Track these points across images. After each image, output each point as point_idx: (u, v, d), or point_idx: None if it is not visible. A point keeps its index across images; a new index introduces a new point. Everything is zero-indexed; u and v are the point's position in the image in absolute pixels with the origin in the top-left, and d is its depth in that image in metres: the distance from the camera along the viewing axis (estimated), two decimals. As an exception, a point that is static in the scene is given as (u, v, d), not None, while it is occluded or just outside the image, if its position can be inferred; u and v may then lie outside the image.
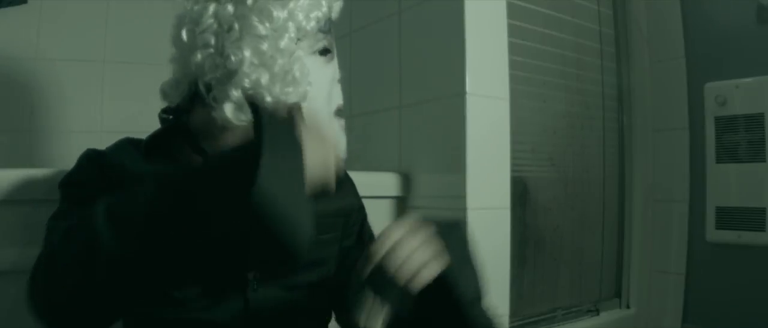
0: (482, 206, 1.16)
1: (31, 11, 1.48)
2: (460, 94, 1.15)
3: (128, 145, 0.77)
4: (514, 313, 1.33)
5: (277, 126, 0.54)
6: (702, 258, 1.66)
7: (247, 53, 0.70)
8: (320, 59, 0.76)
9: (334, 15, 0.79)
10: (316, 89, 0.75)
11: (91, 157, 0.74)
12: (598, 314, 1.65)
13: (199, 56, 0.71)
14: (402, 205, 1.28)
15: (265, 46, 0.70)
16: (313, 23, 0.74)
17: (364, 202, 0.94)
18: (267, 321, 0.73)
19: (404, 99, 1.30)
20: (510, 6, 1.29)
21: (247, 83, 0.70)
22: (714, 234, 1.61)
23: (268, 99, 0.70)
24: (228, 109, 0.70)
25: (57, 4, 1.52)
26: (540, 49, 1.53)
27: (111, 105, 1.56)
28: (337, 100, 0.79)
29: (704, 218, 1.64)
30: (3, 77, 1.47)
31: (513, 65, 1.30)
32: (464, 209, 1.13)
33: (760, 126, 1.52)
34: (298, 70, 0.72)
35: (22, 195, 0.83)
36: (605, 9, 1.76)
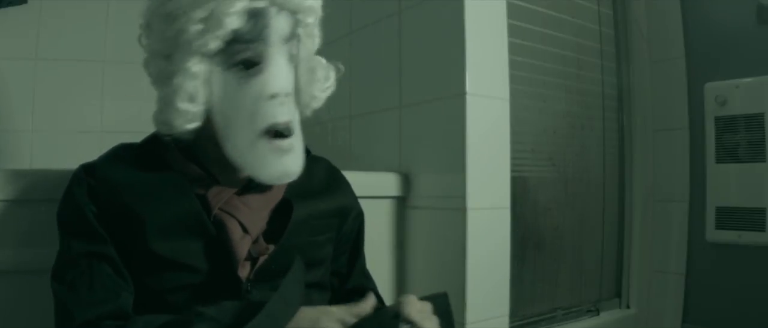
0: (482, 206, 1.16)
1: (31, 11, 1.49)
2: (460, 94, 1.15)
3: (122, 151, 0.77)
4: (514, 313, 1.33)
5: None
6: (702, 258, 1.66)
7: (153, 70, 0.74)
8: (241, 73, 0.69)
9: (268, 20, 0.69)
10: (228, 107, 0.69)
11: (80, 180, 0.73)
12: (598, 314, 1.65)
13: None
14: (402, 205, 1.28)
15: (163, 65, 0.72)
16: (218, 42, 0.67)
17: (365, 202, 0.94)
18: None
19: (404, 99, 1.30)
20: (510, 6, 1.29)
21: (158, 101, 0.73)
22: (714, 234, 1.61)
23: (170, 117, 0.70)
24: (155, 120, 0.74)
25: (57, 4, 1.52)
26: (540, 49, 1.53)
27: (111, 105, 1.56)
28: (271, 118, 0.69)
29: (704, 218, 1.64)
30: (3, 77, 1.47)
31: (513, 65, 1.30)
32: (464, 209, 1.13)
33: (760, 126, 1.52)
34: (194, 88, 0.68)
35: (21, 195, 0.83)
36: (605, 9, 1.76)
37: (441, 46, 1.21)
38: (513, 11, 1.36)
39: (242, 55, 0.68)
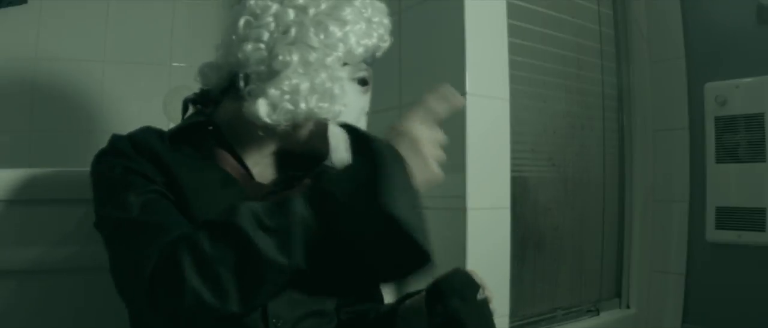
0: (482, 206, 1.16)
1: (31, 11, 1.49)
2: (460, 95, 1.15)
3: (152, 131, 0.77)
4: (514, 313, 1.33)
5: (385, 150, 0.61)
6: (702, 258, 1.66)
7: (294, 58, 0.72)
8: (358, 87, 0.79)
9: (379, 53, 0.82)
10: (347, 114, 0.76)
11: (122, 140, 0.72)
12: (598, 314, 1.65)
13: (249, 47, 0.74)
14: (402, 205, 1.28)
15: (312, 57, 0.73)
16: (361, 50, 0.76)
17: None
18: (284, 324, 0.73)
19: (404, 99, 1.30)
20: (510, 6, 1.29)
21: (286, 86, 0.72)
22: (714, 234, 1.61)
23: (302, 106, 0.72)
24: (261, 105, 0.71)
25: (57, 4, 1.52)
26: (540, 49, 1.53)
27: (111, 105, 1.56)
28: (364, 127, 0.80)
29: (704, 218, 1.64)
30: (3, 77, 1.47)
31: (513, 65, 1.30)
32: (464, 209, 1.13)
33: (760, 126, 1.52)
34: (338, 89, 0.74)
35: (21, 195, 0.83)
36: (605, 9, 1.76)
37: (441, 46, 1.21)
38: (513, 11, 1.36)
39: (364, 74, 0.79)
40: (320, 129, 0.75)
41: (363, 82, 0.80)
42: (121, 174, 0.68)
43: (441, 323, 0.74)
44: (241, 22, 0.75)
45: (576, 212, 1.64)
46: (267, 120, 0.72)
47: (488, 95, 1.19)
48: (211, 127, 0.77)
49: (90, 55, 1.55)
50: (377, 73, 1.39)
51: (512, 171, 1.25)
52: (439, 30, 1.22)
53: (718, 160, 1.61)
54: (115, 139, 0.73)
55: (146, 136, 0.73)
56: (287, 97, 0.72)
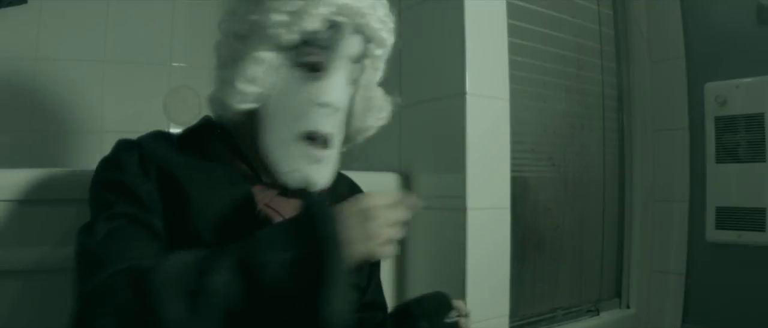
0: (482, 206, 1.16)
1: (31, 11, 1.48)
2: (460, 94, 1.15)
3: (161, 136, 0.77)
4: (514, 313, 1.33)
5: (332, 240, 0.57)
6: (702, 258, 1.66)
7: (224, 51, 0.74)
8: (304, 73, 0.73)
9: (369, 31, 0.75)
10: (278, 101, 0.72)
11: (129, 147, 0.72)
12: (598, 314, 1.65)
13: (219, 39, 0.76)
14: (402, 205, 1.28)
15: (237, 46, 0.73)
16: (294, 35, 0.71)
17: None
18: None
19: (404, 99, 1.30)
20: (510, 6, 1.29)
21: (218, 81, 0.73)
22: (714, 234, 1.61)
23: (226, 99, 0.71)
24: (210, 100, 0.74)
25: (57, 4, 1.52)
26: (540, 49, 1.53)
27: (111, 105, 1.56)
28: (312, 124, 0.73)
29: (704, 218, 1.64)
30: (3, 77, 1.47)
31: (513, 65, 1.30)
32: (464, 209, 1.13)
33: (760, 126, 1.52)
34: (255, 72, 0.70)
35: (21, 195, 0.83)
36: (605, 9, 1.76)
37: (441, 46, 1.21)
38: (513, 11, 1.36)
39: (310, 58, 0.72)
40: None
41: (312, 67, 0.73)
42: (105, 192, 0.69)
43: None
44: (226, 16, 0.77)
45: (576, 212, 1.64)
46: (220, 112, 0.73)
47: (488, 95, 1.19)
48: (219, 130, 0.77)
49: (90, 55, 1.55)
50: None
51: (512, 171, 1.25)
52: (439, 30, 1.22)
53: (718, 160, 1.61)
54: (120, 147, 0.73)
55: (154, 144, 0.73)
56: (218, 91, 0.73)
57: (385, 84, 1.38)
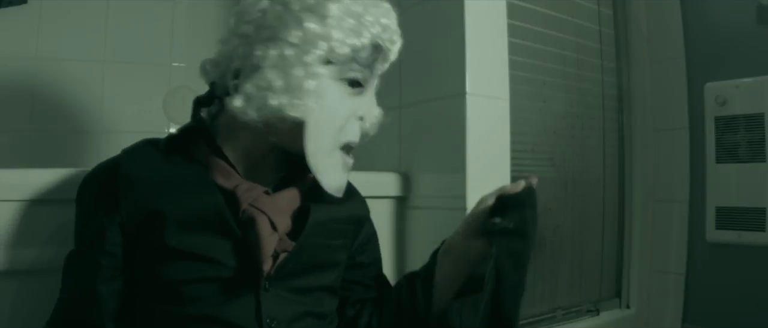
0: (482, 206, 1.16)
1: (31, 11, 1.49)
2: (460, 94, 1.15)
3: (146, 146, 0.78)
4: (514, 313, 1.33)
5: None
6: (702, 258, 1.66)
7: (271, 53, 0.72)
8: (345, 88, 0.77)
9: (384, 56, 0.81)
10: (327, 113, 0.75)
11: (96, 173, 0.76)
12: (598, 314, 1.65)
13: (235, 42, 0.75)
14: (402, 205, 1.28)
15: (289, 53, 0.72)
16: (346, 50, 0.74)
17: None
18: (278, 324, 0.73)
19: (404, 99, 1.30)
20: (510, 6, 1.29)
21: (261, 81, 0.72)
22: (714, 234, 1.61)
23: (273, 103, 0.71)
24: (237, 100, 0.72)
25: (57, 4, 1.52)
26: (540, 49, 1.53)
27: (111, 105, 1.56)
28: (351, 136, 0.78)
29: (704, 218, 1.64)
30: (3, 77, 1.47)
31: (513, 65, 1.30)
32: (464, 209, 1.13)
33: (760, 126, 1.52)
34: (312, 86, 0.72)
35: (21, 195, 0.83)
36: (605, 9, 1.76)
37: (441, 46, 1.21)
38: (513, 11, 1.36)
39: (354, 74, 0.76)
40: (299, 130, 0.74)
41: (354, 83, 0.77)
42: (76, 220, 0.76)
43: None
44: (234, 17, 0.77)
45: (576, 212, 1.64)
46: (241, 115, 0.72)
47: (488, 95, 1.19)
48: (201, 130, 0.78)
49: (90, 55, 1.55)
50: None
51: (512, 171, 1.25)
52: (439, 30, 1.22)
53: (718, 160, 1.61)
54: (90, 175, 0.77)
55: (132, 163, 0.75)
56: (260, 92, 0.72)
57: (385, 84, 1.38)
